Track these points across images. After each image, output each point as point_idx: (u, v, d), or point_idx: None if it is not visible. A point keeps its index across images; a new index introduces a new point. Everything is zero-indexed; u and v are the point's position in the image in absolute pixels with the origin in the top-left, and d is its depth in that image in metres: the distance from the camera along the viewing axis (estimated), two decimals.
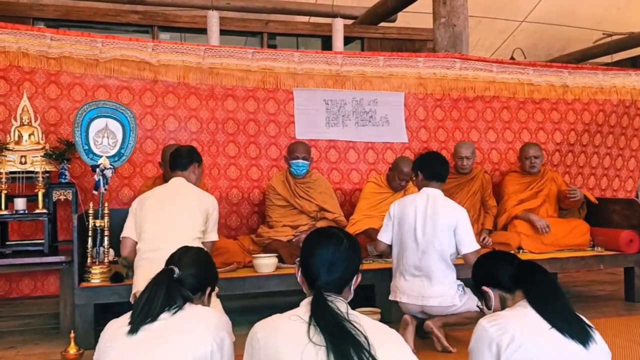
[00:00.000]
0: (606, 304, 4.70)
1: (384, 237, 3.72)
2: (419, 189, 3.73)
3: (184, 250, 2.11)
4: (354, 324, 1.60)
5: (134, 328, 1.82)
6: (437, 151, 4.57)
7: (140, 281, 3.12)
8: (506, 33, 9.24)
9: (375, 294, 4.09)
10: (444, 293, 3.49)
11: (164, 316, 1.85)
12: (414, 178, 3.91)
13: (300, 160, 4.48)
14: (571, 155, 5.98)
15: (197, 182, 3.60)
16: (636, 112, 6.14)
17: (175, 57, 4.85)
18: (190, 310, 1.91)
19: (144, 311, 1.85)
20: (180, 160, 3.51)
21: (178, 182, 3.46)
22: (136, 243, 3.35)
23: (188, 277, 1.98)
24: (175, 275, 1.96)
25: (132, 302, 3.15)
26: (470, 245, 3.51)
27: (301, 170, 4.51)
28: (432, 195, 3.61)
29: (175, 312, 1.86)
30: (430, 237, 3.51)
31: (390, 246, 3.72)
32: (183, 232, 3.21)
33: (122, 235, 3.43)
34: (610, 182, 6.16)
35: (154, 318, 1.84)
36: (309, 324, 1.60)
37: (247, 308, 4.48)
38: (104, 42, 4.68)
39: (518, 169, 5.24)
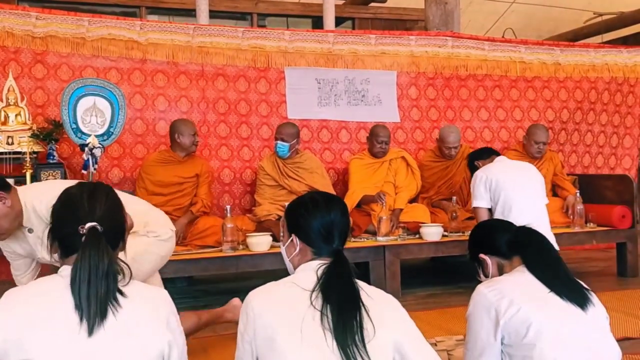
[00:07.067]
0: (599, 279, 4.70)
1: (483, 204, 3.87)
2: None
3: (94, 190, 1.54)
4: (363, 298, 1.54)
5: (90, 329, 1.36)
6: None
7: None
8: (497, 14, 9.18)
9: (370, 271, 4.08)
10: (550, 236, 3.60)
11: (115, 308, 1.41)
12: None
13: (279, 142, 4.39)
14: (564, 134, 5.96)
15: None
16: (629, 90, 6.13)
17: (164, 35, 4.78)
18: (131, 291, 1.46)
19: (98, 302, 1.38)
20: None
21: None
22: None
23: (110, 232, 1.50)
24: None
25: None
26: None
27: (281, 152, 4.42)
28: (503, 160, 4.03)
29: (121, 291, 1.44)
30: (531, 189, 3.86)
31: (489, 210, 3.89)
32: None
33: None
34: (606, 160, 6.13)
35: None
36: (312, 291, 1.53)
37: (242, 289, 4.44)
38: (90, 20, 4.59)
39: (518, 149, 5.06)
